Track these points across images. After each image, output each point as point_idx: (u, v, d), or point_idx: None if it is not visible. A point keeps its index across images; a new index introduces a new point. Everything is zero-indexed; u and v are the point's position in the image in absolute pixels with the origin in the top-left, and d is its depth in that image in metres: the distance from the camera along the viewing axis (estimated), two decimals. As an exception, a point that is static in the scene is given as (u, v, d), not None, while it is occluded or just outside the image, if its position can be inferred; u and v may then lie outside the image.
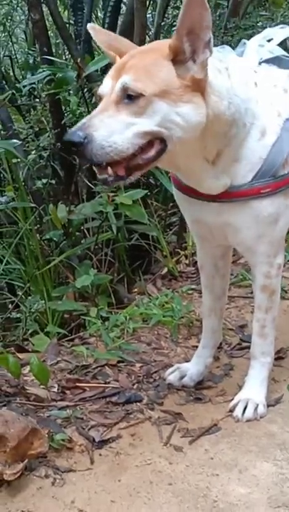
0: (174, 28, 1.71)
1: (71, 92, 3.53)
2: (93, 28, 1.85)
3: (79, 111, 3.35)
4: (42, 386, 2.09)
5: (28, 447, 1.71)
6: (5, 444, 1.67)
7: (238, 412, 2.00)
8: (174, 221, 3.94)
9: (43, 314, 3.00)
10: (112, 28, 4.05)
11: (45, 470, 1.75)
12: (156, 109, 1.61)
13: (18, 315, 3.26)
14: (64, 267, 3.30)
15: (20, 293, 3.40)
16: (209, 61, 1.66)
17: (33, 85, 4.45)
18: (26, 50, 5.79)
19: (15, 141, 3.45)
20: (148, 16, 4.39)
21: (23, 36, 6.41)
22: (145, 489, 1.70)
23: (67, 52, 4.90)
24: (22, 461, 1.69)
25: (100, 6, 5.50)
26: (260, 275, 1.97)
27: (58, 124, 3.65)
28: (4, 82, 4.73)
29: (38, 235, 3.37)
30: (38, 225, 3.56)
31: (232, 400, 2.05)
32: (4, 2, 5.77)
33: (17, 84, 4.92)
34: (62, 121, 3.62)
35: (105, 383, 2.17)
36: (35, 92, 4.78)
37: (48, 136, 3.88)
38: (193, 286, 2.97)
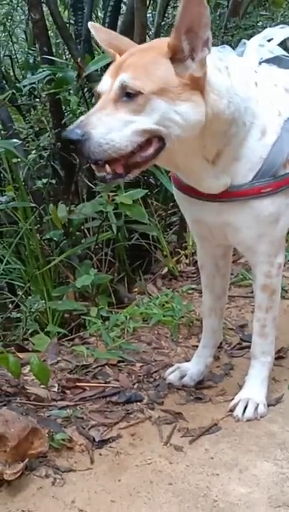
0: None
1: (71, 91, 3.53)
2: (94, 27, 1.85)
3: (79, 110, 3.35)
4: (42, 386, 2.09)
5: (29, 447, 1.71)
6: (5, 443, 1.67)
7: (238, 411, 1.99)
8: (174, 221, 3.94)
9: (44, 314, 3.00)
10: (112, 27, 4.04)
11: (45, 470, 1.75)
12: (155, 107, 1.61)
13: (19, 315, 3.27)
14: (64, 266, 3.30)
15: (20, 293, 3.41)
16: (209, 60, 1.66)
17: (33, 85, 4.45)
18: (26, 49, 5.80)
19: (15, 140, 3.45)
20: (148, 15, 4.39)
21: (24, 36, 6.41)
22: (145, 489, 1.70)
23: (67, 52, 4.90)
24: (22, 460, 1.69)
25: (100, 6, 5.50)
26: (260, 275, 1.97)
27: (58, 123, 3.65)
28: (4, 81, 4.73)
29: (38, 234, 3.37)
30: (39, 225, 3.56)
31: (232, 399, 2.05)
32: (4, 2, 5.78)
33: (17, 84, 4.93)
34: (63, 121, 3.62)
35: (105, 383, 2.17)
36: (36, 92, 4.79)
37: (48, 135, 3.88)
38: (193, 286, 2.97)
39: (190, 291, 2.93)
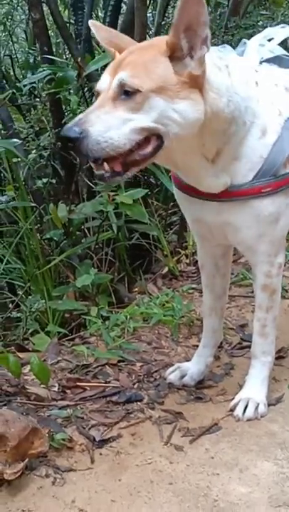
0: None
1: (71, 91, 3.52)
2: (94, 25, 1.86)
3: (79, 110, 3.34)
4: (42, 385, 2.09)
5: (29, 447, 1.71)
6: (5, 443, 1.67)
7: (238, 411, 1.99)
8: (175, 220, 3.94)
9: (44, 314, 3.00)
10: (112, 27, 4.00)
11: (45, 469, 1.75)
12: (153, 105, 1.61)
13: (19, 314, 3.26)
14: (64, 266, 3.30)
15: (20, 292, 3.40)
16: (209, 58, 1.66)
17: (34, 85, 4.45)
18: (27, 49, 5.79)
19: (15, 140, 3.44)
20: (148, 15, 4.40)
21: (24, 36, 6.41)
22: (146, 489, 1.70)
23: (67, 52, 4.89)
24: (22, 460, 1.69)
25: (101, 5, 5.50)
26: (260, 274, 1.97)
27: (58, 123, 3.64)
28: (5, 81, 4.73)
29: (38, 234, 3.37)
30: (39, 225, 3.56)
31: (233, 399, 2.05)
32: (4, 1, 5.77)
33: (17, 84, 4.92)
34: (63, 121, 3.61)
35: (106, 382, 2.17)
36: (36, 92, 4.78)
37: (49, 135, 3.88)
38: (193, 286, 2.97)
39: (190, 291, 2.93)
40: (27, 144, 3.93)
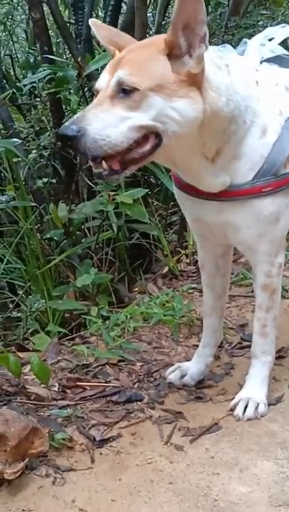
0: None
1: (72, 91, 3.52)
2: (94, 24, 1.86)
3: (79, 110, 3.33)
4: (42, 385, 2.09)
5: (29, 446, 1.71)
6: (5, 443, 1.67)
7: (238, 411, 1.99)
8: (175, 220, 3.94)
9: (44, 313, 3.00)
10: (112, 26, 4.04)
11: (45, 469, 1.75)
12: (151, 104, 1.61)
13: (19, 314, 3.26)
14: (64, 266, 3.30)
15: (20, 292, 3.40)
16: (208, 57, 1.66)
17: (34, 84, 4.44)
18: (27, 49, 5.79)
19: (15, 140, 3.44)
20: (148, 14, 4.39)
21: (24, 35, 6.40)
22: (146, 488, 1.70)
23: (67, 52, 4.89)
24: (23, 460, 1.69)
25: (101, 5, 5.50)
26: (260, 274, 1.97)
27: (58, 123, 3.63)
28: (5, 81, 4.72)
29: (38, 234, 3.37)
30: (39, 224, 3.56)
31: (233, 398, 2.05)
32: (5, 1, 5.77)
33: (17, 84, 4.91)
34: (63, 121, 3.61)
35: (106, 382, 2.17)
36: (36, 91, 4.78)
37: (49, 135, 3.87)
38: (193, 285, 2.97)
39: (190, 291, 2.93)
40: (27, 144, 3.92)
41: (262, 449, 1.85)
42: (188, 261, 3.39)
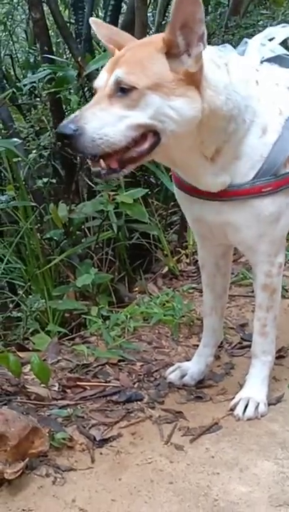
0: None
1: (72, 91, 3.53)
2: (95, 22, 1.86)
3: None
4: (43, 385, 2.09)
5: (29, 446, 1.71)
6: (5, 442, 1.67)
7: (239, 410, 1.99)
8: (175, 220, 3.94)
9: (44, 313, 3.00)
10: (112, 26, 4.04)
11: (45, 469, 1.75)
12: (149, 102, 1.61)
13: (19, 314, 3.26)
14: (65, 266, 3.30)
15: (20, 292, 3.40)
16: (208, 56, 1.66)
17: (34, 84, 4.44)
18: (27, 49, 5.79)
19: (15, 140, 3.45)
20: (149, 14, 4.39)
21: (24, 35, 6.41)
22: (146, 488, 1.70)
23: (67, 51, 4.89)
24: (23, 460, 1.69)
25: (101, 5, 5.50)
26: (261, 274, 1.97)
27: (58, 123, 3.61)
28: (5, 81, 4.73)
29: (38, 234, 3.37)
30: (39, 224, 3.56)
31: (233, 398, 2.05)
32: (5, 1, 5.77)
33: (18, 83, 4.92)
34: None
35: (106, 382, 2.17)
36: (36, 91, 4.78)
37: (49, 135, 3.87)
38: (194, 285, 2.97)
39: (190, 291, 2.93)
40: (27, 144, 3.93)
41: (262, 448, 1.85)
42: (188, 261, 3.39)
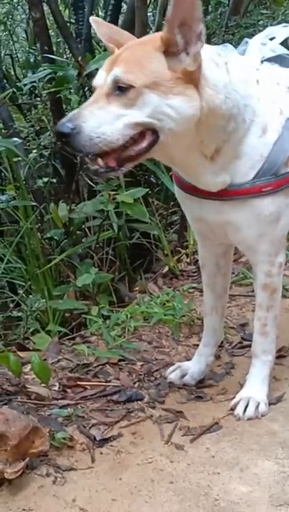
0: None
1: (72, 90, 3.53)
2: (95, 21, 1.86)
3: (80, 109, 3.34)
4: (43, 384, 2.09)
5: (29, 446, 1.71)
6: (6, 442, 1.67)
7: (239, 410, 1.99)
8: (175, 220, 3.94)
9: (44, 313, 3.00)
10: (112, 26, 4.04)
11: (46, 468, 1.75)
12: (147, 101, 1.61)
13: (19, 314, 3.26)
14: (65, 265, 3.30)
15: (21, 292, 3.40)
16: (207, 55, 1.66)
17: (34, 84, 4.44)
18: (27, 48, 5.79)
19: (16, 139, 3.45)
20: (149, 14, 4.39)
21: (24, 35, 6.41)
22: (146, 488, 1.70)
23: (68, 51, 4.89)
24: (23, 459, 1.69)
25: (101, 5, 5.50)
26: (261, 274, 1.97)
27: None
28: (5, 80, 4.73)
29: (39, 233, 3.37)
30: (39, 224, 3.56)
31: (233, 398, 2.05)
32: (5, 1, 5.77)
33: (18, 83, 4.92)
34: (63, 120, 3.60)
35: (106, 382, 2.17)
36: (36, 91, 4.78)
37: (49, 134, 3.87)
38: (194, 285, 2.97)
39: (191, 290, 2.93)
40: (27, 144, 3.93)
41: (262, 448, 1.85)
42: (188, 260, 3.39)
